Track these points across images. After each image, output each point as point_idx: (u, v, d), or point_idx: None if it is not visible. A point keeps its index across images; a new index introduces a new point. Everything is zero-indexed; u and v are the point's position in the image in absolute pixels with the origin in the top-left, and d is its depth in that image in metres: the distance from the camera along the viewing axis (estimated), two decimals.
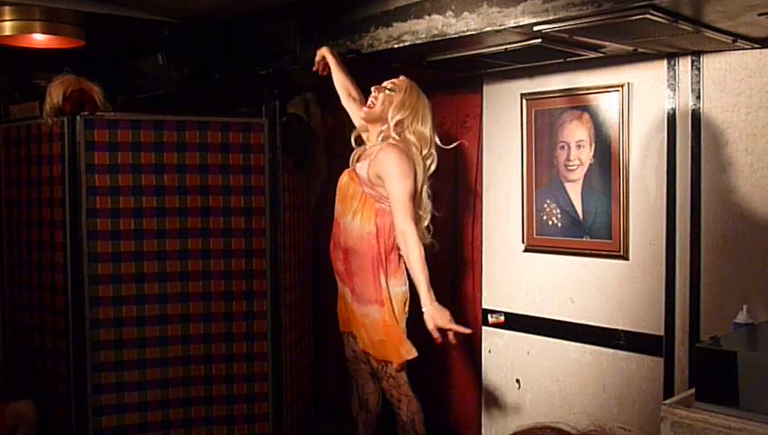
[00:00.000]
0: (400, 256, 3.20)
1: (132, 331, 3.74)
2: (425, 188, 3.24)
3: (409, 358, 3.23)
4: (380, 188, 3.17)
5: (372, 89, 3.28)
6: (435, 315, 3.04)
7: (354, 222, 3.25)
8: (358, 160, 3.30)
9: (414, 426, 3.37)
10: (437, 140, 3.27)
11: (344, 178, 3.35)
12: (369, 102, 3.28)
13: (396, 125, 3.19)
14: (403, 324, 3.23)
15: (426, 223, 3.27)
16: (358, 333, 3.35)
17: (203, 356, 3.85)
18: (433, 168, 3.27)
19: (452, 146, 3.39)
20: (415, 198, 3.16)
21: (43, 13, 3.53)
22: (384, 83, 3.28)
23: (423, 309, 3.07)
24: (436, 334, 3.04)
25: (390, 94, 3.23)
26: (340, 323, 3.51)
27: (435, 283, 4.17)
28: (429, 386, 4.24)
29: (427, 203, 3.26)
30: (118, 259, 3.71)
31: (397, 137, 3.20)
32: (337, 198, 3.37)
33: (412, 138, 3.20)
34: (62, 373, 3.76)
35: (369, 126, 3.33)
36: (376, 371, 3.38)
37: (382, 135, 3.25)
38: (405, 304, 3.25)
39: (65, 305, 3.71)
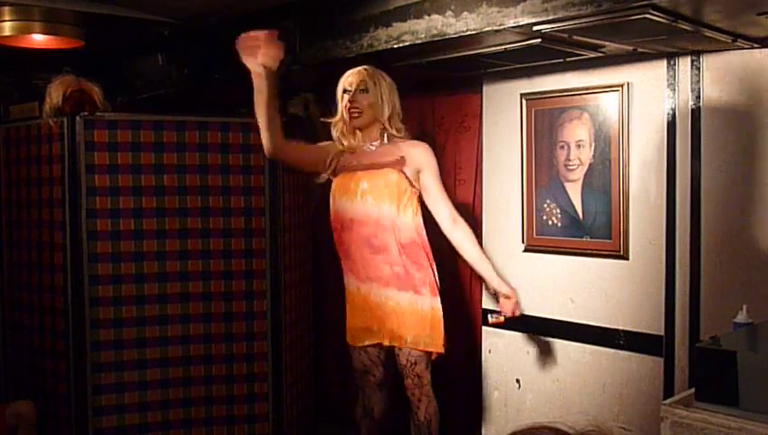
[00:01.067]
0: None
1: (132, 331, 3.73)
2: None
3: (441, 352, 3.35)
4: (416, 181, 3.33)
5: (344, 95, 3.29)
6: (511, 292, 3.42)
7: (407, 216, 3.30)
8: (373, 157, 3.32)
9: (430, 428, 3.38)
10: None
11: (392, 175, 3.27)
12: (353, 111, 3.27)
13: (389, 121, 3.30)
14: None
15: None
16: (398, 330, 3.31)
17: (203, 356, 3.85)
18: None
19: None
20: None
21: (43, 13, 3.53)
22: (353, 84, 3.28)
23: (501, 289, 3.42)
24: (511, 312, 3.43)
25: (368, 93, 3.28)
26: (355, 338, 3.46)
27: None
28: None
29: None
30: (118, 259, 3.70)
31: (395, 132, 3.33)
32: (368, 194, 3.30)
33: (401, 125, 3.34)
34: (62, 374, 3.76)
35: (359, 131, 3.35)
36: (403, 368, 3.36)
37: (384, 133, 3.34)
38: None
39: (65, 306, 3.71)
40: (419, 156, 3.31)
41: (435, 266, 3.36)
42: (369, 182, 3.30)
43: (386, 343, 3.39)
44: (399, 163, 3.29)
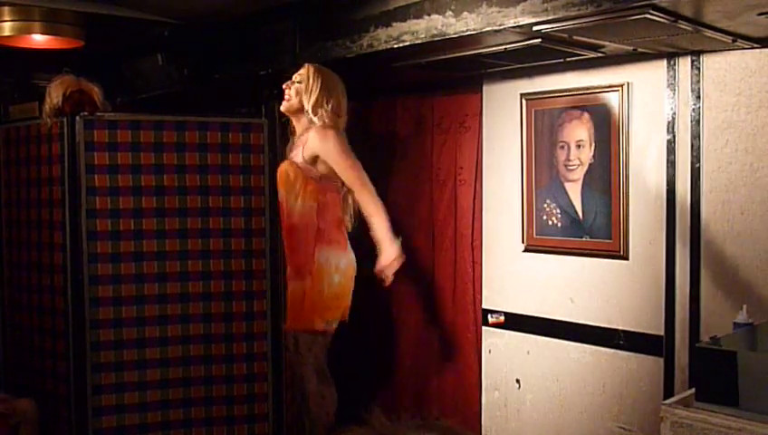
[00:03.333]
0: (344, 228, 3.54)
1: (132, 331, 3.73)
2: None
3: (322, 329, 3.48)
4: (318, 166, 3.47)
5: (283, 86, 3.55)
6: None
7: (296, 202, 3.49)
8: (292, 150, 3.57)
9: (307, 404, 3.58)
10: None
11: (283, 167, 3.53)
12: (285, 97, 3.54)
13: (313, 110, 3.46)
14: (340, 294, 3.50)
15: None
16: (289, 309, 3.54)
17: (203, 357, 3.85)
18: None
19: None
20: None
21: (43, 13, 3.52)
22: (296, 75, 3.51)
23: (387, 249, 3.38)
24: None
25: (300, 84, 3.48)
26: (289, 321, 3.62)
27: (435, 283, 4.19)
28: (429, 385, 4.24)
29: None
30: (117, 260, 3.70)
31: (317, 120, 3.46)
32: (279, 187, 3.56)
33: (330, 114, 3.47)
34: (62, 374, 3.75)
35: (294, 118, 3.59)
36: (287, 345, 3.61)
37: (308, 121, 3.51)
38: (348, 275, 3.51)
39: (65, 306, 3.71)
40: (311, 141, 3.46)
41: (325, 248, 3.46)
42: (280, 172, 3.56)
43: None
44: (298, 150, 3.50)
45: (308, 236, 3.47)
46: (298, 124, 3.60)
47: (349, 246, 3.54)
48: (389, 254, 3.36)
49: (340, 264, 3.50)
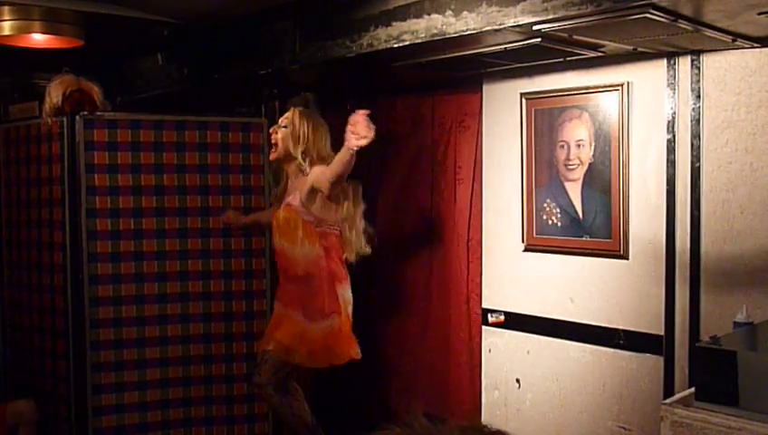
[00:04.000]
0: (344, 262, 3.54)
1: (132, 331, 3.74)
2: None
3: (357, 358, 3.51)
4: (315, 208, 3.44)
5: (270, 131, 3.58)
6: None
7: (303, 249, 3.46)
8: (287, 195, 3.54)
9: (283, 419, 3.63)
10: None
11: (281, 213, 3.50)
12: (273, 143, 3.53)
13: (303, 156, 3.47)
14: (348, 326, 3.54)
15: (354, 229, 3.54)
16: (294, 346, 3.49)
17: (203, 356, 3.85)
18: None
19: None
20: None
21: (43, 13, 3.53)
22: (280, 121, 3.54)
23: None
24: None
25: (286, 129, 3.49)
26: (263, 342, 3.61)
27: (435, 283, 4.19)
28: (429, 385, 4.24)
29: (356, 209, 3.56)
30: (117, 259, 3.71)
31: (308, 167, 3.46)
32: (277, 233, 3.54)
33: (318, 163, 3.45)
34: (62, 373, 3.76)
35: (285, 164, 3.57)
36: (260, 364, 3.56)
37: (297, 168, 3.51)
38: (350, 306, 3.56)
39: (65, 305, 3.71)
40: (309, 178, 3.42)
41: (333, 291, 3.49)
42: (277, 220, 3.53)
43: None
44: (294, 196, 3.47)
45: (323, 280, 3.48)
46: (288, 169, 3.58)
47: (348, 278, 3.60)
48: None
49: (347, 297, 3.55)
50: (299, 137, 3.47)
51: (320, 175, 3.38)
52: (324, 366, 3.56)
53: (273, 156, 3.57)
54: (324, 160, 3.45)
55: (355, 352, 3.50)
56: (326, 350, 3.50)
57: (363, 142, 3.09)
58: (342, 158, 3.19)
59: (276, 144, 3.52)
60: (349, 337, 3.51)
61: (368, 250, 3.58)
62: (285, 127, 3.50)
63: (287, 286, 3.56)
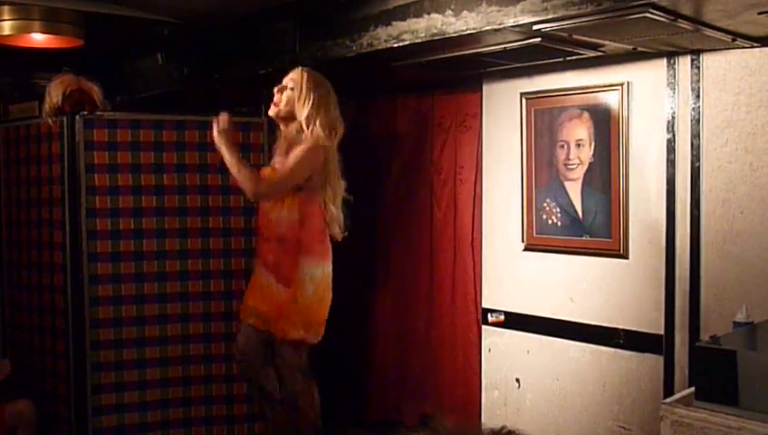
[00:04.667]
0: (325, 239, 3.39)
1: (132, 330, 3.74)
2: (338, 170, 3.40)
3: (306, 340, 3.37)
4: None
5: (274, 90, 3.39)
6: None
7: (282, 213, 3.34)
8: (277, 156, 3.44)
9: (296, 403, 3.46)
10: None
11: (266, 172, 3.41)
12: (274, 101, 3.37)
13: (306, 121, 3.31)
14: (315, 304, 3.37)
15: (337, 204, 3.40)
16: (269, 314, 3.39)
17: (202, 356, 3.85)
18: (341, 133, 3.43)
19: None
20: (326, 185, 3.36)
21: (43, 12, 3.53)
22: (284, 81, 3.36)
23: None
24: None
25: (292, 91, 3.33)
26: (241, 313, 3.51)
27: (435, 283, 4.18)
28: (429, 385, 4.24)
29: (341, 184, 3.42)
30: (117, 259, 3.71)
31: (309, 133, 3.30)
32: None
33: (322, 131, 3.31)
34: (62, 373, 3.76)
35: (282, 124, 3.43)
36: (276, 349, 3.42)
37: (296, 131, 3.36)
38: (323, 285, 3.38)
39: (65, 305, 3.71)
40: (298, 145, 3.32)
41: (308, 259, 3.35)
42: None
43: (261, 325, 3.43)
44: (283, 159, 3.36)
45: (292, 247, 3.34)
46: (285, 130, 3.44)
47: (329, 257, 3.41)
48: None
49: (316, 274, 3.36)
50: (305, 102, 3.31)
51: (290, 161, 3.29)
52: (278, 334, 3.38)
53: (271, 111, 3.41)
54: (330, 127, 3.34)
55: (297, 333, 3.33)
56: (274, 319, 3.37)
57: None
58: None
59: (277, 104, 3.38)
60: (293, 315, 3.33)
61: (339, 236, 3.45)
62: (292, 89, 3.34)
63: (263, 246, 3.46)
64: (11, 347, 4.16)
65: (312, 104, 3.31)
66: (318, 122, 3.31)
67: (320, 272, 3.37)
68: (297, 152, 3.29)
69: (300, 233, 3.34)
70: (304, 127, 3.33)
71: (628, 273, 3.37)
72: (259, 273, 3.46)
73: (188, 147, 3.80)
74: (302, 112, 3.32)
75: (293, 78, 3.35)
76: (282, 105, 3.36)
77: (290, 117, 3.37)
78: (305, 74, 3.34)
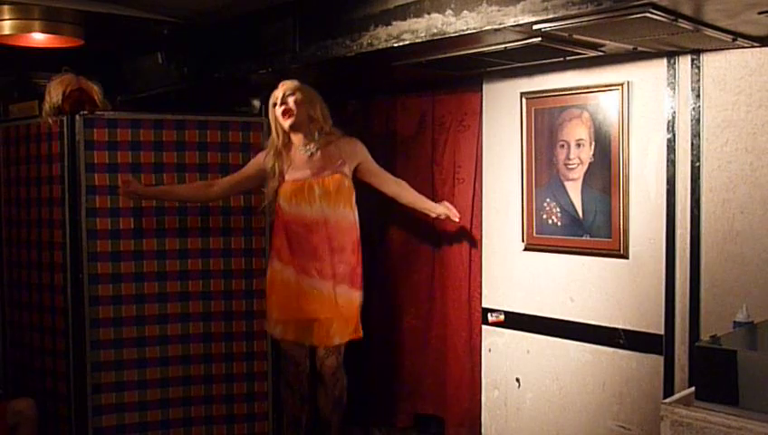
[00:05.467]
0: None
1: (132, 330, 3.74)
2: None
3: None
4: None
5: (274, 108, 3.57)
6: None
7: (355, 215, 3.65)
8: (296, 165, 3.60)
9: (342, 402, 3.80)
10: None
11: (329, 180, 3.59)
12: (287, 109, 3.53)
13: (323, 119, 3.60)
14: None
15: None
16: (328, 321, 3.60)
17: (202, 355, 3.86)
18: None
19: None
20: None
21: (43, 12, 3.53)
22: (283, 92, 3.55)
23: (438, 210, 3.87)
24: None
25: (298, 97, 3.55)
26: (291, 332, 3.64)
27: (435, 282, 4.18)
28: (429, 385, 4.24)
29: None
30: (117, 258, 3.71)
31: (328, 128, 3.62)
32: (317, 201, 3.57)
33: (329, 122, 3.65)
34: (62, 372, 3.76)
35: (295, 133, 3.60)
36: (328, 354, 3.69)
37: (317, 133, 3.60)
38: None
39: (65, 304, 3.71)
40: (357, 152, 3.69)
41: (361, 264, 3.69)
42: (323, 188, 3.58)
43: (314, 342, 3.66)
44: (342, 166, 3.63)
45: (357, 246, 3.67)
46: (304, 138, 3.61)
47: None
48: (441, 207, 3.84)
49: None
50: (311, 101, 3.57)
51: (370, 159, 3.72)
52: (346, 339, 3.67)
53: (290, 122, 3.55)
54: (324, 127, 3.60)
55: (359, 332, 3.68)
56: (349, 323, 3.64)
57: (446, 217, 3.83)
58: (422, 206, 3.84)
59: (291, 111, 3.54)
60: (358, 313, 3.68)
61: None
62: (292, 94, 3.54)
63: (333, 259, 3.59)
64: (11, 346, 4.16)
65: (319, 102, 3.59)
66: (326, 118, 3.62)
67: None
68: (366, 151, 3.71)
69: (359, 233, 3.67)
70: (323, 123, 3.59)
71: (628, 273, 3.37)
72: (298, 281, 3.59)
73: (188, 146, 3.80)
74: (317, 110, 3.58)
75: (287, 87, 3.56)
76: (296, 110, 3.53)
77: (305, 122, 3.57)
78: (294, 81, 3.57)
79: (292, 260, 3.59)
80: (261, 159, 3.67)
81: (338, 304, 3.58)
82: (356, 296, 3.66)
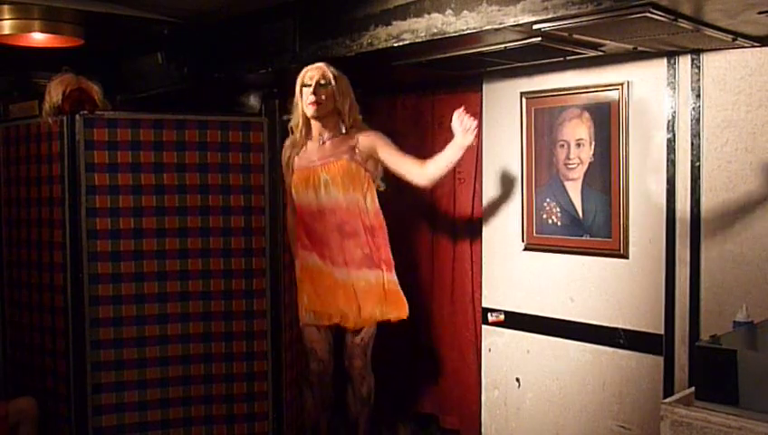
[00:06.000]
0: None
1: (132, 330, 3.73)
2: None
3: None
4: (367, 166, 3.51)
5: (304, 89, 3.41)
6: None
7: (369, 199, 3.53)
8: (313, 152, 3.50)
9: (370, 401, 3.66)
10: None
11: (336, 166, 3.46)
12: (316, 100, 3.39)
13: (350, 111, 3.46)
14: None
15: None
16: (349, 309, 3.51)
17: (203, 355, 3.85)
18: None
19: None
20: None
21: (43, 12, 3.52)
22: (314, 78, 3.39)
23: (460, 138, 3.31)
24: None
25: (329, 87, 3.39)
26: (322, 318, 3.57)
27: (435, 282, 4.19)
28: (429, 385, 4.24)
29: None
30: (117, 258, 3.70)
31: (352, 122, 3.48)
32: (326, 188, 3.48)
33: (359, 118, 3.52)
34: (62, 372, 3.75)
35: (320, 122, 3.47)
36: (354, 347, 3.57)
37: (342, 125, 3.48)
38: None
39: (65, 304, 3.71)
40: (372, 141, 3.48)
41: (389, 245, 3.56)
42: (329, 174, 3.47)
43: (347, 324, 3.54)
44: (351, 152, 3.47)
45: (383, 232, 3.56)
46: (322, 127, 3.49)
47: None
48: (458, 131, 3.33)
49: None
50: (342, 92, 3.43)
51: (389, 149, 3.46)
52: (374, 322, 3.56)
53: (314, 112, 3.42)
54: (357, 110, 3.51)
55: (399, 312, 3.53)
56: (373, 304, 3.52)
57: (473, 135, 3.24)
58: (454, 155, 3.31)
59: (320, 102, 3.39)
60: (397, 294, 3.55)
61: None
62: (325, 84, 3.39)
63: (346, 243, 3.50)
64: (11, 346, 4.15)
65: (351, 95, 3.47)
66: (354, 108, 3.49)
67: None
68: (386, 141, 3.48)
69: (382, 218, 3.54)
70: (348, 118, 3.47)
71: (629, 272, 3.37)
72: (338, 275, 3.52)
73: (188, 146, 3.79)
74: (345, 104, 3.44)
75: (324, 75, 3.39)
76: (325, 102, 3.40)
77: (331, 113, 3.45)
78: (330, 68, 3.40)
79: (313, 247, 3.58)
80: (284, 157, 3.64)
81: (355, 289, 3.49)
82: (381, 277, 3.52)
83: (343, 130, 3.49)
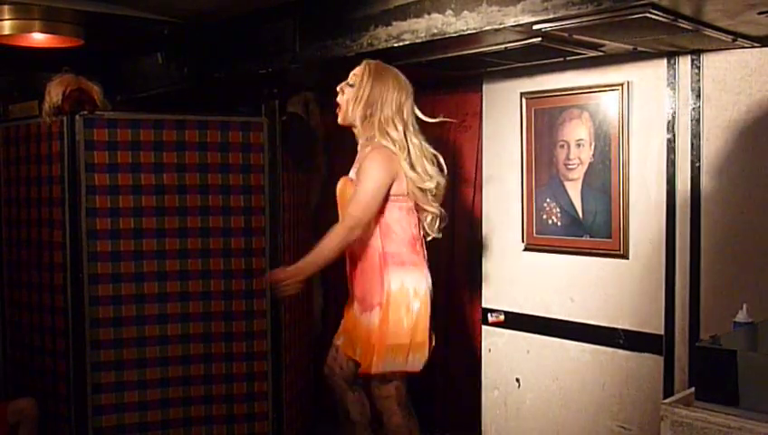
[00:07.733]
0: (418, 246, 3.03)
1: (132, 330, 3.73)
2: (424, 168, 3.03)
3: (404, 370, 3.03)
4: None
5: (337, 88, 3.09)
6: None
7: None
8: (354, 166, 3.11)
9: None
10: (419, 113, 3.09)
11: (340, 184, 3.13)
12: (336, 102, 3.10)
13: (366, 121, 2.99)
14: (412, 325, 2.98)
15: (429, 217, 3.05)
16: (358, 345, 3.12)
17: (202, 355, 3.85)
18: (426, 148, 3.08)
19: (436, 120, 3.18)
20: (414, 188, 3.00)
21: (43, 12, 3.52)
22: (349, 78, 3.06)
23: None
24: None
25: (353, 88, 3.04)
26: (346, 346, 3.21)
27: (435, 282, 4.18)
28: (429, 385, 4.24)
29: (432, 182, 3.03)
30: (117, 258, 3.70)
31: (379, 135, 2.98)
32: (340, 205, 3.14)
33: (390, 130, 2.99)
34: (62, 373, 3.75)
35: (354, 130, 3.12)
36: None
37: (366, 136, 3.05)
38: (418, 299, 2.98)
39: (65, 304, 3.71)
40: (364, 161, 2.99)
41: (381, 279, 2.99)
42: (339, 190, 3.15)
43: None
44: (356, 167, 3.06)
45: (373, 263, 2.99)
46: (358, 134, 3.08)
47: (426, 267, 3.05)
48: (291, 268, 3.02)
49: (419, 288, 2.98)
50: (356, 98, 2.97)
51: (363, 180, 2.92)
52: (365, 375, 3.06)
53: (339, 120, 3.06)
54: (394, 130, 2.97)
55: (399, 363, 2.94)
56: (364, 352, 3.02)
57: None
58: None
59: (339, 106, 3.04)
60: (387, 341, 2.94)
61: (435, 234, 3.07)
62: (352, 85, 3.00)
63: (352, 272, 3.10)
64: (10, 346, 4.15)
65: (367, 100, 2.97)
66: (382, 120, 2.95)
67: (423, 286, 3.00)
68: (365, 166, 2.93)
69: (384, 244, 2.97)
70: (388, 129, 2.97)
71: (629, 273, 3.37)
72: (350, 301, 3.18)
73: (188, 147, 3.79)
74: (357, 112, 2.99)
75: (356, 73, 3.03)
76: (344, 105, 3.04)
77: (358, 121, 3.04)
78: (367, 67, 3.01)
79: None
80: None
81: (356, 328, 3.11)
82: (366, 319, 3.03)
83: (377, 137, 2.98)
